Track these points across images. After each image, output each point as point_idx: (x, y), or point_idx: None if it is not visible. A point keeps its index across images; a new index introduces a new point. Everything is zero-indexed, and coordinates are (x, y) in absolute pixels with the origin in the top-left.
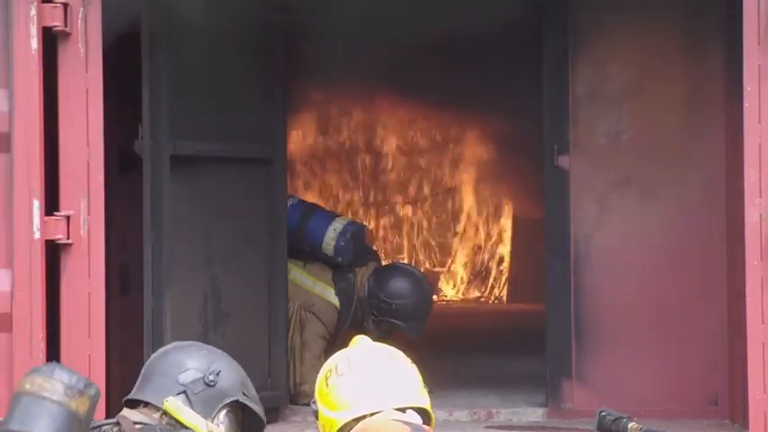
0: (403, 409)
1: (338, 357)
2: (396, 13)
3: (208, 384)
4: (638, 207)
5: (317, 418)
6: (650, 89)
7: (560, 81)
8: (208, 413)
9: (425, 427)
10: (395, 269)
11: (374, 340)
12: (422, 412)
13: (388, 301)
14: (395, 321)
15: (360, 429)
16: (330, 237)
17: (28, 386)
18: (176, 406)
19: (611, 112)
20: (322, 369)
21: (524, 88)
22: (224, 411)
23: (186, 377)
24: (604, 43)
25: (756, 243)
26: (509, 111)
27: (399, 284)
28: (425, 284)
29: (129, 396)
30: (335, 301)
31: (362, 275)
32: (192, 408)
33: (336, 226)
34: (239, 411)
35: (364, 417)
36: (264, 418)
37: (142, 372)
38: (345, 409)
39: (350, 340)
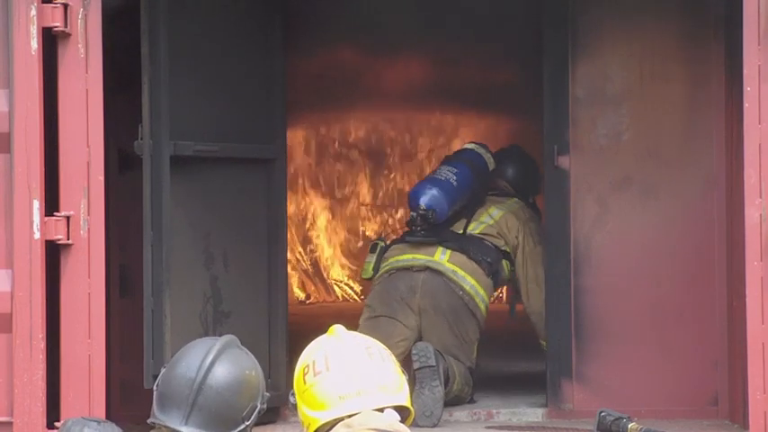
0: (381, 409)
1: (314, 352)
2: (391, 21)
3: (260, 414)
4: (638, 207)
5: (295, 409)
6: (650, 89)
7: (560, 81)
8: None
9: (401, 427)
10: None
11: None
12: (400, 406)
13: None
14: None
15: None
16: None
17: None
18: None
19: (611, 113)
20: (299, 361)
21: (523, 88)
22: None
23: (251, 415)
24: (604, 43)
25: (756, 243)
26: (510, 110)
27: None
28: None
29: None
30: None
31: None
32: None
33: None
34: None
35: (343, 418)
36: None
37: (193, 399)
38: (324, 410)
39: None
